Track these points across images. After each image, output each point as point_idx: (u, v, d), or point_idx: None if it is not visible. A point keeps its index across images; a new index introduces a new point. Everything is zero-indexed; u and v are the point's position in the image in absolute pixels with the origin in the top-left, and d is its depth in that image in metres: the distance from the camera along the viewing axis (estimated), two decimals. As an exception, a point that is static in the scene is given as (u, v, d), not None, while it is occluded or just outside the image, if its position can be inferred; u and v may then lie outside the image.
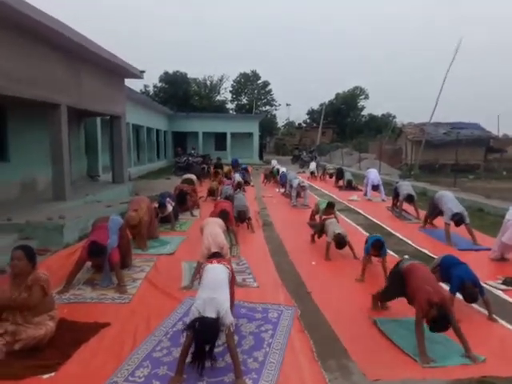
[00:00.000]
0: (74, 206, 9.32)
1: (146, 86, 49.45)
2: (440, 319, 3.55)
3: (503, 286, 5.34)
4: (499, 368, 3.45)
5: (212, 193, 12.54)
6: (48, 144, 9.84)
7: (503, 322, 4.38)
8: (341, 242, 6.42)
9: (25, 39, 8.04)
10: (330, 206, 8.36)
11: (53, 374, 3.29)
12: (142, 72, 14.46)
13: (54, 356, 3.50)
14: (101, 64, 11.55)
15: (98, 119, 15.82)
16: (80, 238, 7.62)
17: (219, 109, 49.43)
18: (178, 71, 49.99)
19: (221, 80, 55.50)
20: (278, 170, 17.75)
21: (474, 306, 4.65)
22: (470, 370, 3.41)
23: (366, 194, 13.42)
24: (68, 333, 3.88)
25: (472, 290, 4.34)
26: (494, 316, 4.45)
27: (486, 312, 4.52)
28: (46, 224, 7.26)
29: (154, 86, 50.59)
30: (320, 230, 7.23)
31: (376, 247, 5.62)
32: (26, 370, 3.28)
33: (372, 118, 61.71)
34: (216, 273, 3.71)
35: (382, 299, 4.60)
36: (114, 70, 12.64)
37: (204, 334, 3.12)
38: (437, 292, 3.72)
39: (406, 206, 10.37)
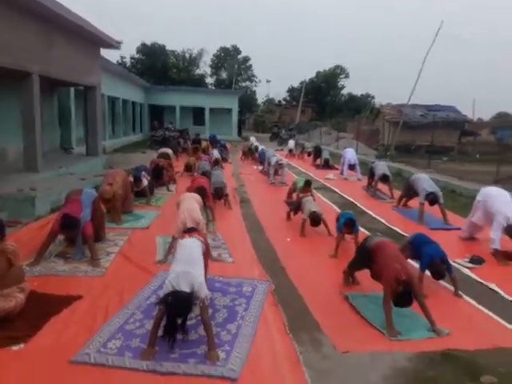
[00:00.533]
0: (46, 178, 9.08)
1: (122, 58, 47.87)
2: (404, 295, 3.67)
3: (470, 265, 5.53)
4: (463, 342, 3.59)
5: (189, 168, 12.40)
6: (19, 113, 9.49)
7: (468, 298, 4.55)
8: (316, 219, 6.50)
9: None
10: (307, 184, 8.42)
11: (22, 345, 3.25)
12: (119, 42, 13.98)
13: (23, 328, 3.46)
14: (76, 32, 11.10)
15: (72, 90, 15.28)
16: (52, 210, 7.46)
17: (198, 83, 48.41)
18: (156, 43, 48.56)
19: (200, 53, 54.28)
20: (256, 147, 17.70)
21: (442, 282, 4.81)
22: (435, 343, 3.54)
23: (342, 173, 13.56)
24: (38, 305, 3.83)
25: (440, 267, 4.49)
26: (460, 292, 4.62)
27: (452, 288, 4.68)
28: (16, 195, 7.07)
29: (131, 58, 49.03)
30: (296, 207, 7.29)
31: (348, 226, 5.75)
32: (-5, 341, 3.23)
33: (351, 97, 61.75)
34: (190, 247, 3.70)
35: (349, 270, 4.72)
36: (89, 39, 12.18)
37: (176, 308, 3.13)
38: (404, 269, 3.82)
39: (380, 185, 10.52)
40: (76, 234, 5.19)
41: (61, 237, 5.58)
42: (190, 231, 4.48)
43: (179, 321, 3.20)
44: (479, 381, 2.99)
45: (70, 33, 10.93)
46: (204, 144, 18.08)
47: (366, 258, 4.31)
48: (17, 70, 8.53)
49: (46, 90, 12.42)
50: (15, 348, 3.21)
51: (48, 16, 9.40)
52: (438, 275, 4.54)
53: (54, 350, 3.21)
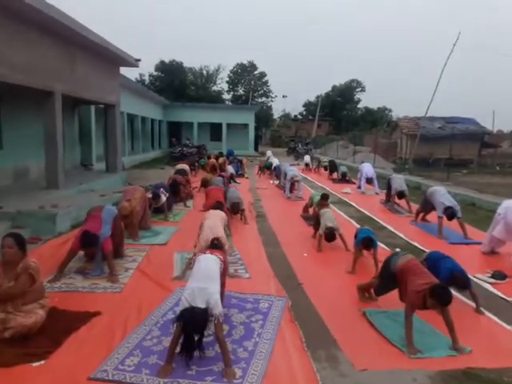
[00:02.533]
0: (67, 195, 9.28)
1: (141, 75, 49.07)
2: (440, 291, 3.59)
3: (491, 280, 5.40)
4: (485, 360, 3.50)
5: (205, 184, 12.47)
6: (41, 132, 9.77)
7: (490, 315, 4.44)
8: (331, 235, 6.48)
9: (20, 26, 7.93)
10: (324, 198, 8.36)
11: (43, 361, 3.29)
12: (138, 60, 14.32)
13: (44, 344, 3.50)
14: (96, 51, 11.45)
15: (93, 107, 15.69)
16: (72, 226, 7.60)
17: (215, 99, 49.15)
18: (173, 60, 49.64)
19: (217, 70, 55.19)
20: (271, 164, 17.70)
21: (463, 298, 4.72)
22: (456, 362, 3.46)
23: (359, 187, 13.48)
24: (58, 321, 3.88)
25: (462, 277, 4.40)
26: (482, 308, 4.51)
27: (473, 304, 4.58)
28: (37, 213, 7.23)
29: (150, 75, 50.20)
30: (316, 222, 7.22)
31: (365, 245, 5.64)
32: (15, 357, 3.28)
33: (368, 111, 61.65)
34: (208, 263, 3.72)
35: (375, 293, 4.62)
36: (109, 58, 12.53)
37: (192, 324, 3.15)
38: (426, 282, 3.75)
39: (398, 199, 10.41)
40: (96, 250, 5.28)
41: (81, 252, 5.67)
42: (212, 248, 4.52)
43: (196, 337, 3.22)
44: (503, 401, 2.91)
45: (91, 52, 11.29)
46: (221, 160, 18.22)
47: (391, 279, 4.24)
48: (40, 89, 8.82)
49: (67, 108, 12.77)
50: (36, 364, 3.25)
51: (71, 37, 9.73)
52: (462, 285, 4.44)
53: (74, 367, 3.25)
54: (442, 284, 3.67)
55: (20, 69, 7.95)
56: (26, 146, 10.84)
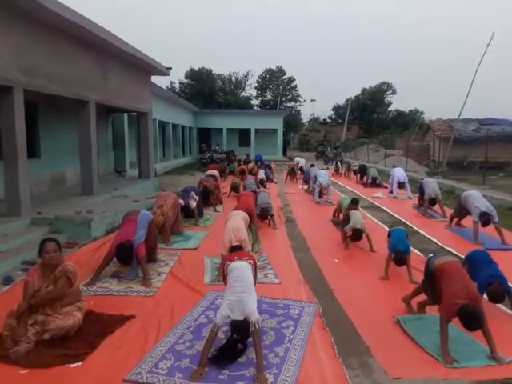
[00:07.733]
0: (101, 201, 9.54)
1: (172, 83, 49.85)
2: (469, 317, 3.49)
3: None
4: (525, 370, 3.36)
5: (235, 189, 12.57)
6: (77, 140, 10.10)
7: (531, 324, 4.27)
8: (357, 235, 6.51)
9: (55, 38, 8.26)
10: (354, 203, 8.13)
11: (80, 363, 3.39)
12: (168, 69, 14.59)
13: (81, 346, 3.61)
14: (128, 61, 11.76)
15: (125, 115, 16.08)
16: (107, 231, 7.80)
17: (244, 105, 49.40)
18: (203, 67, 50.24)
19: (246, 76, 55.48)
20: (301, 168, 17.68)
21: (501, 306, 4.55)
22: (494, 372, 3.35)
23: (391, 192, 13.25)
24: (94, 324, 4.00)
25: (499, 291, 4.25)
26: (522, 318, 4.34)
27: (512, 313, 4.42)
28: (74, 218, 7.46)
29: (180, 83, 50.94)
30: (344, 224, 7.18)
31: (397, 263, 5.43)
32: (54, 358, 3.40)
33: (399, 113, 60.50)
34: (242, 272, 3.77)
35: (432, 302, 4.25)
36: (140, 67, 12.84)
37: (241, 335, 3.41)
38: (466, 293, 3.63)
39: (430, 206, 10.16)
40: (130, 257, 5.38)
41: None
42: (235, 250, 4.59)
43: (239, 346, 3.42)
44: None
45: (123, 62, 11.60)
46: (250, 165, 18.31)
47: (430, 280, 4.14)
48: (74, 98, 9.13)
49: (101, 116, 13.17)
50: (73, 366, 3.36)
51: (104, 47, 10.06)
52: (496, 300, 4.30)
53: (110, 369, 3.34)
54: (473, 309, 3.51)
55: (55, 79, 8.25)
56: (62, 154, 11.22)
